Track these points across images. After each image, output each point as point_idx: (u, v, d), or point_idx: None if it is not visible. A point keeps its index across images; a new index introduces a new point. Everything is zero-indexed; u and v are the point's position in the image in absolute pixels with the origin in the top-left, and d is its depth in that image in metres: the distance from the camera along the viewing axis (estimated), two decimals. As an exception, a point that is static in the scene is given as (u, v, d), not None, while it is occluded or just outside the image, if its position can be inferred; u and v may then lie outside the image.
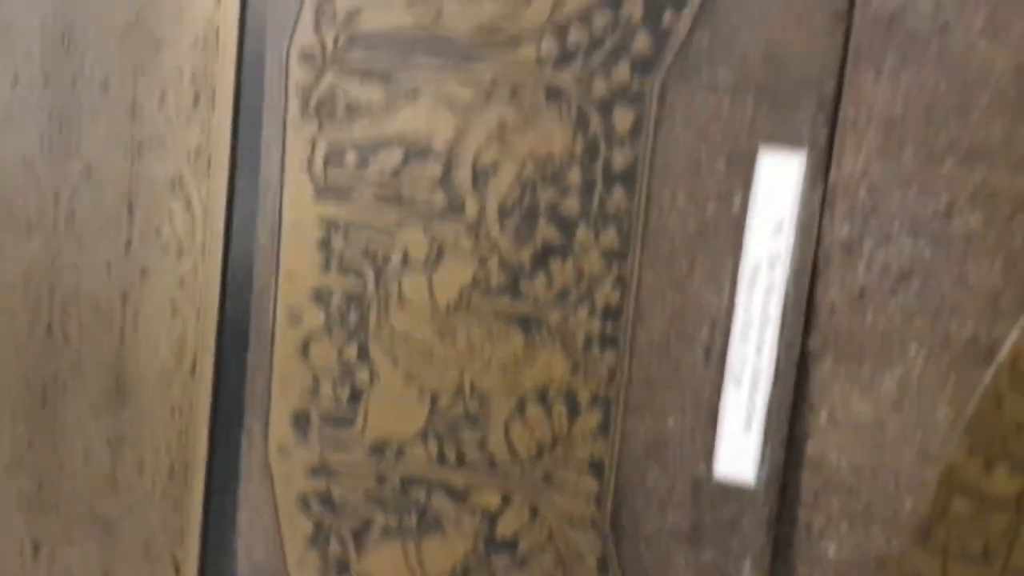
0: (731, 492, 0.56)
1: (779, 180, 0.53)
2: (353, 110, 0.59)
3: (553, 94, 0.56)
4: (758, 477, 0.56)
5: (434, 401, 0.60)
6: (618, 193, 0.55)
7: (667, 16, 0.53)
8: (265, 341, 0.63)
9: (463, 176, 0.58)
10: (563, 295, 0.57)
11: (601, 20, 0.54)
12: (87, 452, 0.67)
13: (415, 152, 0.58)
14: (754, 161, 0.54)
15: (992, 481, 0.51)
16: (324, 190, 0.60)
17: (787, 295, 0.54)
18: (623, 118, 0.55)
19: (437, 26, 0.56)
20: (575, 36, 0.55)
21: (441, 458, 0.60)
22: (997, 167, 0.49)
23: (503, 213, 0.57)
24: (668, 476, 0.57)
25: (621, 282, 0.56)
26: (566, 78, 0.55)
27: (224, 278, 0.64)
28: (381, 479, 0.62)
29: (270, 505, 0.64)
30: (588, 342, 0.57)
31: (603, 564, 0.59)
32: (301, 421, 0.63)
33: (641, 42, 0.54)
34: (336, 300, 0.61)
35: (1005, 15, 0.48)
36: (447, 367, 0.60)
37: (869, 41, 0.50)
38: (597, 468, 0.58)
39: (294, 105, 0.60)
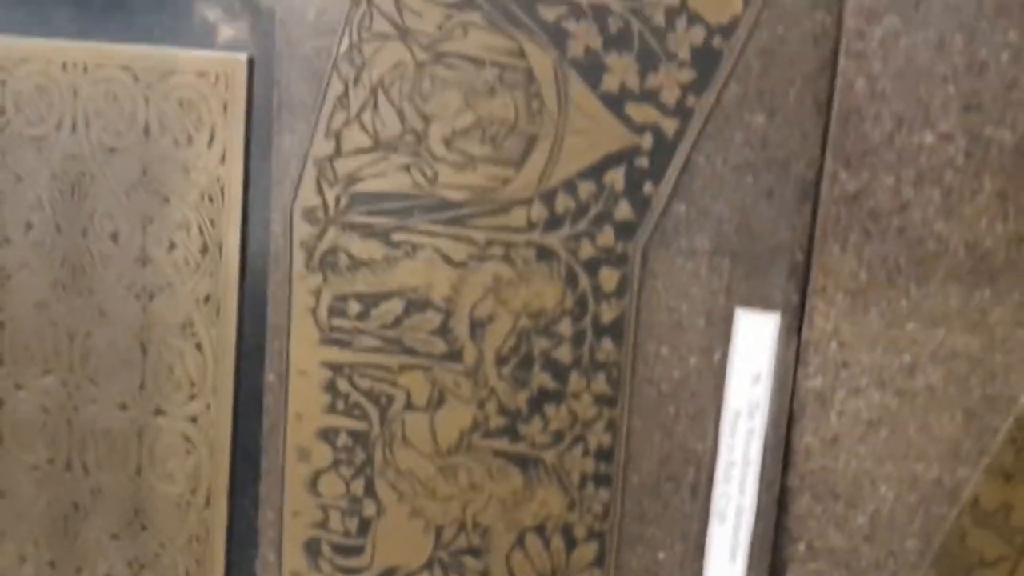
0: None
1: (756, 337, 0.58)
2: (355, 264, 0.64)
3: (544, 254, 0.60)
4: None
5: (438, 534, 0.65)
6: (607, 344, 0.60)
7: (647, 187, 0.58)
8: (276, 475, 0.68)
9: (461, 326, 0.63)
10: (558, 437, 0.62)
11: (586, 190, 0.59)
12: (110, 563, 0.72)
13: (415, 303, 0.62)
14: (732, 320, 0.58)
15: (958, 611, 0.57)
16: (329, 337, 0.65)
17: (766, 439, 0.59)
18: (609, 277, 0.59)
19: (433, 189, 0.61)
20: (562, 203, 0.59)
21: None
22: (955, 330, 0.55)
23: (500, 361, 0.62)
24: None
25: (612, 426, 0.61)
26: (555, 240, 0.60)
27: (235, 416, 0.69)
28: None
29: None
30: (583, 481, 0.62)
31: None
32: (312, 550, 0.67)
33: (623, 210, 0.58)
34: (343, 439, 0.66)
35: (957, 197, 0.53)
36: (450, 502, 0.64)
37: (835, 215, 0.55)
38: None
39: (299, 258, 0.65)
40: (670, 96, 0.57)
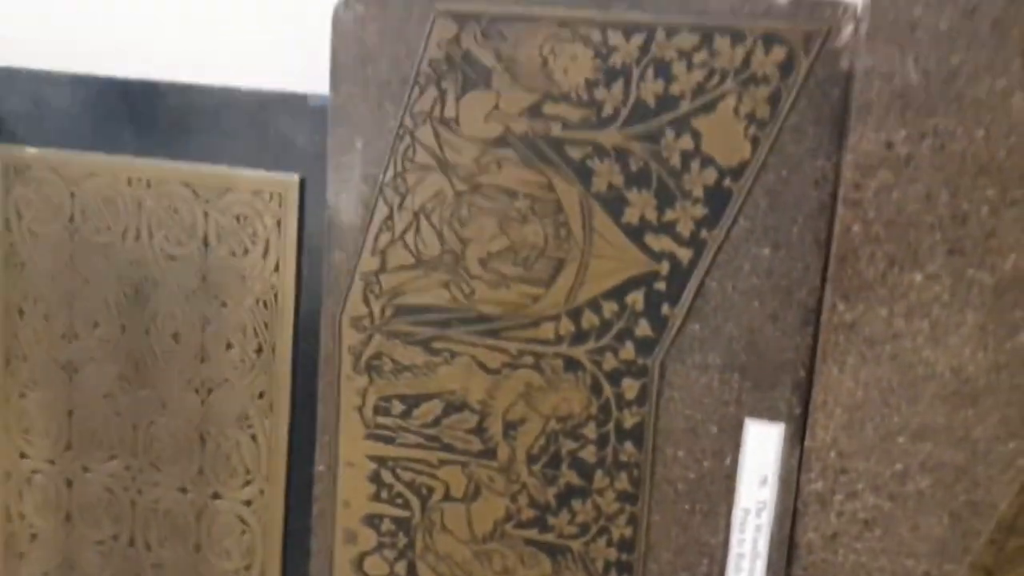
0: None
1: (763, 444, 0.66)
2: (398, 368, 0.71)
3: (571, 365, 0.67)
4: None
5: None
6: (628, 447, 0.68)
7: (664, 308, 0.64)
8: (325, 555, 0.75)
9: (495, 427, 0.70)
10: (584, 528, 0.70)
11: (609, 309, 0.66)
12: None
13: (453, 405, 0.69)
14: (741, 428, 0.66)
15: None
16: (374, 433, 0.72)
17: (772, 535, 0.66)
18: (630, 388, 0.66)
19: (470, 304, 0.69)
20: (587, 320, 0.66)
21: None
22: (941, 444, 0.62)
23: (531, 459, 0.69)
24: None
25: (633, 520, 0.69)
26: (581, 352, 0.67)
27: (287, 501, 0.76)
28: None
29: None
30: (607, 568, 0.70)
31: None
32: None
33: (643, 328, 0.65)
34: (387, 525, 0.72)
35: (943, 329, 0.61)
36: None
37: (834, 341, 0.62)
38: None
39: (347, 362, 0.72)
40: (685, 229, 0.64)
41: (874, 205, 0.58)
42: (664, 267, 0.64)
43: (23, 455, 0.79)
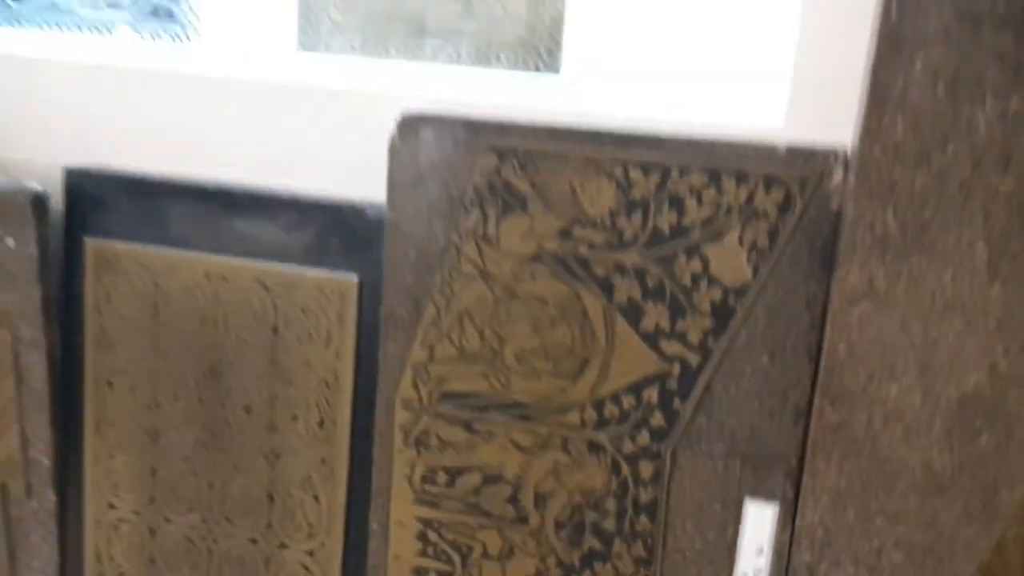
0: None
1: (760, 521, 0.73)
2: (443, 444, 0.77)
3: (594, 447, 0.73)
4: None
5: None
6: (644, 519, 0.75)
7: (676, 403, 0.71)
8: None
9: (527, 498, 0.75)
10: None
11: (628, 402, 0.73)
12: None
13: (490, 477, 0.74)
14: (742, 506, 0.73)
15: None
16: (422, 498, 0.77)
17: None
18: (646, 468, 0.72)
19: (506, 393, 0.75)
20: (608, 410, 0.72)
21: None
22: (912, 526, 0.69)
23: (558, 526, 0.74)
24: None
25: None
26: (603, 437, 0.74)
27: (344, 554, 0.82)
28: None
29: None
30: None
31: None
32: None
33: (657, 419, 0.71)
34: None
35: (915, 432, 0.68)
36: None
37: (822, 438, 0.69)
38: None
39: (398, 437, 0.78)
40: (694, 337, 0.71)
41: (857, 329, 0.65)
42: (676, 368, 0.70)
43: (111, 506, 0.86)
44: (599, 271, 0.69)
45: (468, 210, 0.71)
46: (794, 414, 0.68)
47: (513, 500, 0.75)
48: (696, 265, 0.68)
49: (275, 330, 0.77)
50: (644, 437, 0.71)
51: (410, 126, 0.70)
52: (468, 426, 0.74)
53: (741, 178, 0.66)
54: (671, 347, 0.69)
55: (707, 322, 0.68)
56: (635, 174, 0.67)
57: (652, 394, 0.70)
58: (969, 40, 0.57)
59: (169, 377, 0.80)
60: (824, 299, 0.66)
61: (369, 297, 0.75)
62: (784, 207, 0.65)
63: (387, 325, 0.75)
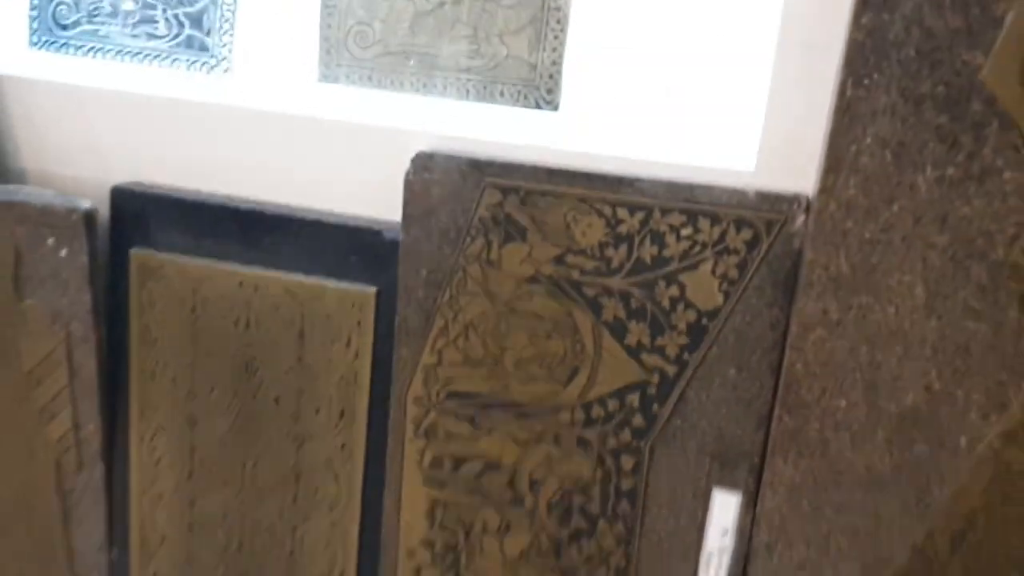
0: None
1: (725, 507, 0.78)
2: (449, 436, 0.80)
3: (582, 442, 0.78)
4: None
5: None
6: (624, 504, 0.79)
7: (654, 407, 0.75)
8: (391, 565, 0.86)
9: (523, 483, 0.79)
10: (589, 559, 0.81)
11: (612, 405, 0.77)
12: None
13: (491, 465, 0.79)
14: (710, 495, 0.76)
15: None
16: (430, 481, 0.82)
17: (730, 571, 0.75)
18: (627, 461, 0.76)
19: (505, 394, 0.80)
20: (595, 412, 0.76)
21: None
22: (856, 516, 0.74)
23: (549, 508, 0.79)
24: None
25: (627, 556, 0.81)
26: (590, 434, 0.79)
27: (361, 526, 0.85)
28: None
29: None
30: None
31: None
32: None
33: (638, 420, 0.75)
34: (438, 547, 0.82)
35: (860, 440, 0.74)
36: None
37: (780, 442, 0.73)
38: None
39: (409, 428, 0.83)
40: (672, 351, 0.76)
41: (812, 351, 0.71)
42: (655, 378, 0.76)
43: (154, 480, 0.91)
44: (589, 292, 0.75)
45: (474, 238, 0.76)
46: (757, 420, 0.74)
47: (510, 485, 0.80)
48: (674, 291, 0.73)
49: (301, 334, 0.82)
50: (626, 435, 0.77)
51: (423, 164, 0.75)
52: (472, 421, 0.80)
53: (715, 219, 0.71)
54: (651, 359, 0.75)
55: (683, 339, 0.74)
56: (622, 212, 0.72)
57: (634, 399, 0.76)
58: (913, 116, 0.62)
59: (206, 371, 0.85)
60: (785, 324, 0.72)
61: (385, 307, 0.80)
62: (752, 244, 0.71)
63: (401, 333, 0.80)
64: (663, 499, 0.77)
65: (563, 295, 0.74)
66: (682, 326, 0.72)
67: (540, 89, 0.75)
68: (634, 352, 0.74)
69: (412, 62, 0.77)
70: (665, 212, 0.70)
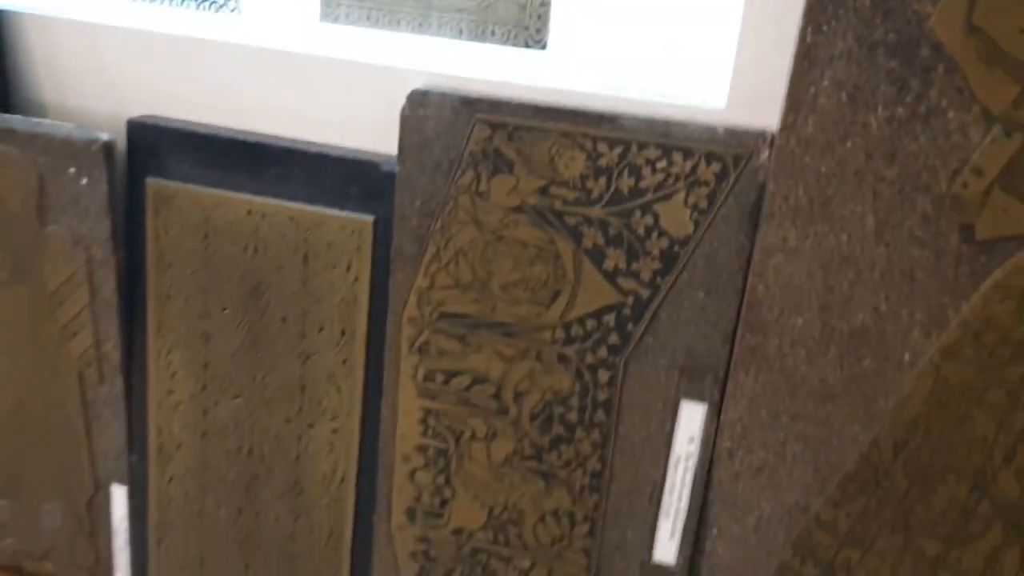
0: (662, 570, 0.84)
1: (692, 416, 0.82)
2: (440, 353, 0.83)
3: (562, 358, 0.80)
4: (676, 562, 0.82)
5: (490, 511, 0.84)
6: (600, 413, 0.82)
7: (629, 326, 0.78)
8: (388, 468, 0.91)
9: (508, 395, 0.81)
10: (567, 463, 0.85)
11: (590, 324, 0.80)
12: (278, 520, 0.96)
13: (478, 379, 0.81)
14: (678, 405, 0.78)
15: None
16: (423, 392, 0.84)
17: (696, 474, 0.79)
18: (603, 376, 0.79)
19: (492, 315, 0.82)
20: (575, 330, 0.78)
21: (495, 540, 0.87)
22: (810, 424, 0.77)
23: (532, 417, 0.82)
24: (627, 560, 0.87)
25: (603, 460, 0.84)
26: (570, 351, 0.82)
27: (362, 432, 0.89)
28: (459, 548, 0.86)
29: (392, 557, 0.90)
30: (582, 489, 0.85)
31: (589, 598, 0.92)
32: (411, 514, 0.87)
33: (613, 338, 0.77)
34: (431, 452, 0.85)
35: (814, 355, 0.77)
36: (498, 494, 0.83)
37: (743, 357, 0.76)
38: (587, 554, 0.84)
39: (405, 346, 0.85)
40: (646, 276, 0.79)
41: (772, 275, 0.74)
42: (630, 300, 0.79)
43: (171, 391, 0.95)
44: (570, 222, 0.77)
45: (464, 170, 0.78)
46: (722, 337, 0.77)
47: (496, 396, 0.83)
48: (649, 220, 0.75)
49: (305, 258, 0.85)
50: (603, 352, 0.80)
51: (418, 101, 0.77)
52: (461, 339, 0.83)
53: (688, 153, 0.73)
54: (627, 283, 0.77)
55: (656, 264, 0.77)
56: (602, 147, 0.75)
57: (610, 319, 0.79)
58: (866, 61, 0.64)
59: (218, 293, 0.88)
60: (749, 250, 0.74)
61: (382, 234, 0.82)
62: (721, 177, 0.73)
63: (396, 259, 0.82)
64: (636, 409, 0.79)
65: (546, 224, 0.76)
66: (655, 252, 0.75)
67: (529, 28, 0.76)
68: (611, 276, 0.77)
69: (408, 2, 0.78)
70: (642, 147, 0.72)
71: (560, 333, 0.79)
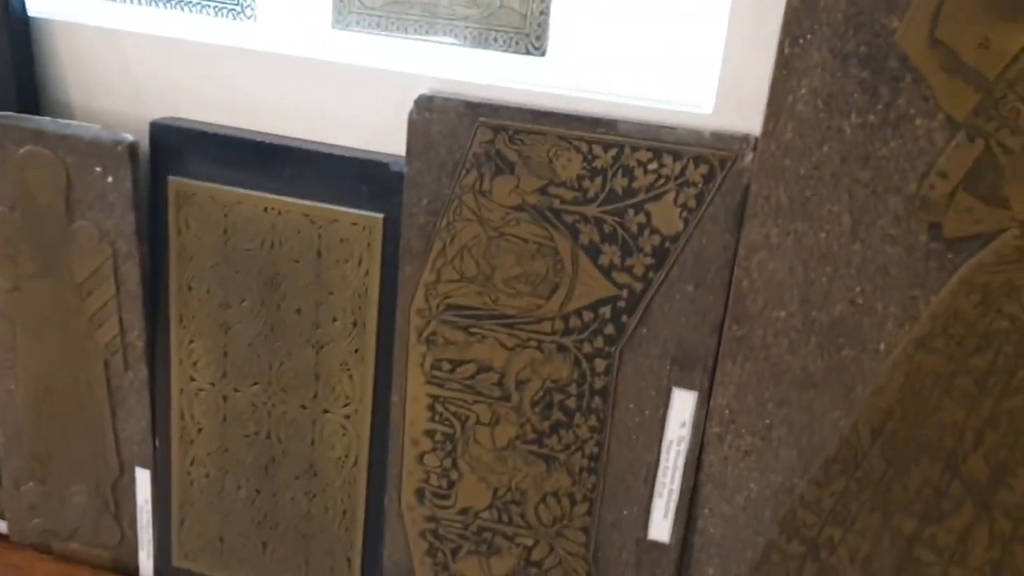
0: (657, 546, 0.87)
1: (684, 403, 0.87)
2: (446, 343, 0.88)
3: (561, 348, 0.86)
4: (670, 540, 0.87)
5: (495, 492, 0.88)
6: (597, 400, 0.88)
7: (623, 318, 0.84)
8: (397, 452, 0.95)
9: (510, 383, 0.86)
10: (567, 447, 0.92)
11: (587, 316, 0.85)
12: (294, 501, 1.03)
13: (482, 367, 0.86)
14: (670, 393, 0.83)
15: None
16: (431, 380, 0.89)
17: (687, 457, 0.84)
18: (600, 364, 0.84)
19: (495, 307, 0.87)
20: (573, 322, 0.83)
21: (499, 519, 0.93)
22: (793, 409, 0.82)
23: (533, 403, 0.87)
24: (624, 538, 0.93)
25: (600, 444, 0.90)
26: (568, 341, 0.88)
27: (373, 417, 0.93)
28: (466, 526, 0.92)
29: (402, 534, 0.95)
30: (580, 471, 0.91)
31: (588, 574, 0.99)
32: (420, 494, 0.92)
33: (609, 329, 0.82)
34: (438, 436, 0.90)
35: (795, 345, 0.84)
36: (502, 475, 0.88)
37: (730, 347, 0.82)
38: (586, 532, 0.89)
39: (413, 336, 0.89)
40: (639, 270, 0.84)
41: (756, 270, 0.80)
42: (624, 293, 0.84)
43: (192, 379, 1.02)
44: (568, 219, 0.83)
45: (468, 171, 0.84)
46: (710, 328, 0.82)
47: (499, 384, 0.88)
48: (641, 218, 0.81)
49: (319, 253, 0.91)
50: (599, 341, 0.86)
51: (424, 105, 0.84)
52: (466, 330, 0.89)
53: (677, 155, 0.79)
54: (621, 277, 0.82)
55: (648, 260, 0.82)
56: (597, 149, 0.81)
57: (606, 311, 0.84)
58: (840, 71, 0.70)
59: (236, 285, 0.94)
60: (735, 247, 0.80)
61: (391, 231, 0.87)
62: (708, 178, 0.79)
63: (405, 254, 0.89)
64: (630, 396, 0.85)
65: (545, 221, 0.83)
66: (648, 248, 0.81)
67: (529, 36, 0.82)
68: (606, 271, 0.82)
69: (415, 11, 0.84)
70: (634, 149, 0.79)
71: (559, 324, 0.85)
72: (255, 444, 0.98)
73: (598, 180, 0.78)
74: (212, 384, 0.98)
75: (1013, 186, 0.67)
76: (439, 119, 0.81)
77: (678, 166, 0.76)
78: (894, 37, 0.67)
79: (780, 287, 0.77)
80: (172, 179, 0.91)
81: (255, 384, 0.96)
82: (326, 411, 0.94)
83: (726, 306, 0.81)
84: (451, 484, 0.92)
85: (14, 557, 1.12)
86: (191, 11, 0.89)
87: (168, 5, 0.90)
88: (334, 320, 0.90)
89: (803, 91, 0.70)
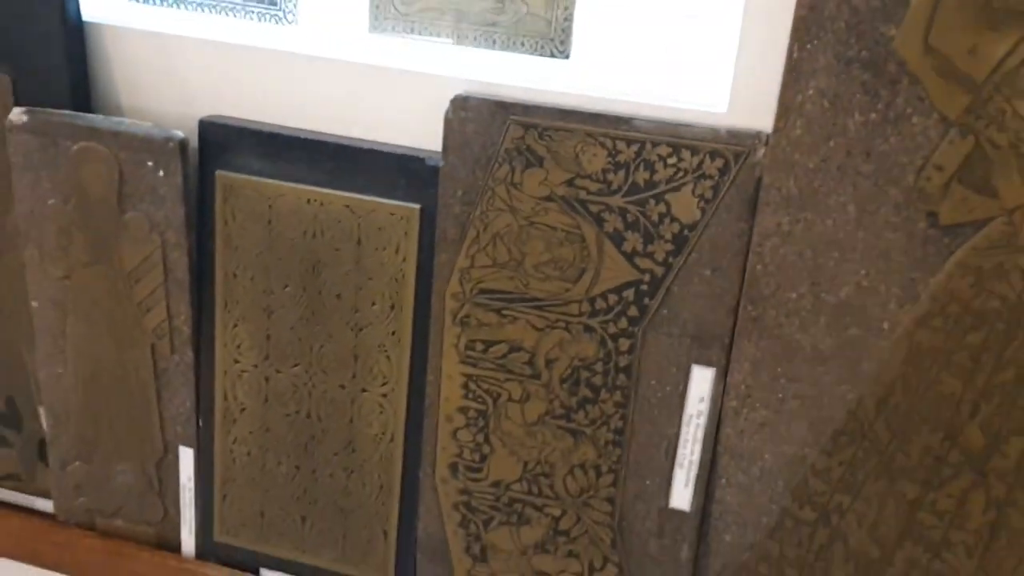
0: (678, 514, 0.93)
1: (702, 379, 0.97)
2: (480, 324, 0.96)
3: (588, 328, 0.94)
4: (691, 508, 0.92)
5: (525, 465, 0.95)
6: (622, 377, 0.96)
7: (646, 300, 0.93)
8: (432, 429, 1.00)
9: (540, 361, 0.95)
10: (593, 421, 0.99)
11: (612, 299, 0.95)
12: (332, 476, 1.09)
13: (514, 347, 0.94)
14: (690, 369, 0.92)
15: None
16: (465, 359, 0.97)
17: (706, 429, 0.91)
18: (624, 344, 0.93)
19: (526, 290, 0.97)
20: (599, 304, 0.92)
21: (529, 491, 0.97)
22: (804, 384, 0.92)
23: (562, 380, 0.95)
24: (647, 506, 0.99)
25: (624, 418, 0.98)
26: (595, 322, 0.97)
27: (409, 395, 1.01)
28: (497, 498, 0.97)
29: (436, 507, 1.00)
30: (606, 444, 0.98)
31: (613, 541, 1.11)
32: (453, 468, 0.97)
33: (632, 311, 0.91)
34: (471, 412, 0.98)
35: (807, 323, 0.95)
36: (532, 449, 0.94)
37: (745, 326, 0.90)
38: (611, 501, 0.93)
39: (448, 318, 0.98)
40: (660, 256, 0.93)
41: (769, 255, 0.90)
42: (647, 277, 0.92)
43: (236, 360, 1.12)
44: (594, 209, 0.92)
45: (500, 164, 0.94)
46: (727, 310, 0.91)
47: (530, 363, 0.96)
48: (662, 208, 0.90)
49: (359, 241, 1.01)
50: (624, 322, 0.95)
51: (460, 104, 0.94)
52: (499, 312, 0.98)
53: (694, 150, 0.89)
54: (643, 262, 0.90)
55: (669, 246, 0.91)
56: (620, 145, 0.91)
57: (630, 293, 0.93)
58: (844, 74, 0.80)
59: (279, 272, 0.99)
60: (749, 234, 0.88)
61: (427, 221, 0.94)
62: (723, 171, 0.89)
63: (440, 241, 0.97)
64: (652, 373, 0.92)
65: (573, 211, 0.92)
66: (668, 236, 0.90)
67: (554, 41, 0.92)
68: (629, 257, 0.89)
69: (448, 16, 0.95)
70: (655, 145, 0.89)
71: (586, 306, 0.94)
72: (295, 423, 1.07)
73: (621, 173, 0.88)
74: (255, 366, 1.07)
75: (1001, 178, 0.78)
76: (473, 117, 0.91)
77: (695, 160, 0.86)
78: (892, 44, 0.77)
79: (791, 271, 0.86)
80: (219, 173, 1.00)
81: (296, 365, 1.05)
82: (364, 390, 1.03)
83: (741, 289, 0.89)
84: (483, 458, 0.98)
85: (59, 536, 1.21)
86: (235, 16, 0.99)
87: (214, 10, 1.00)
88: (372, 304, 1.00)
89: (810, 91, 0.80)
